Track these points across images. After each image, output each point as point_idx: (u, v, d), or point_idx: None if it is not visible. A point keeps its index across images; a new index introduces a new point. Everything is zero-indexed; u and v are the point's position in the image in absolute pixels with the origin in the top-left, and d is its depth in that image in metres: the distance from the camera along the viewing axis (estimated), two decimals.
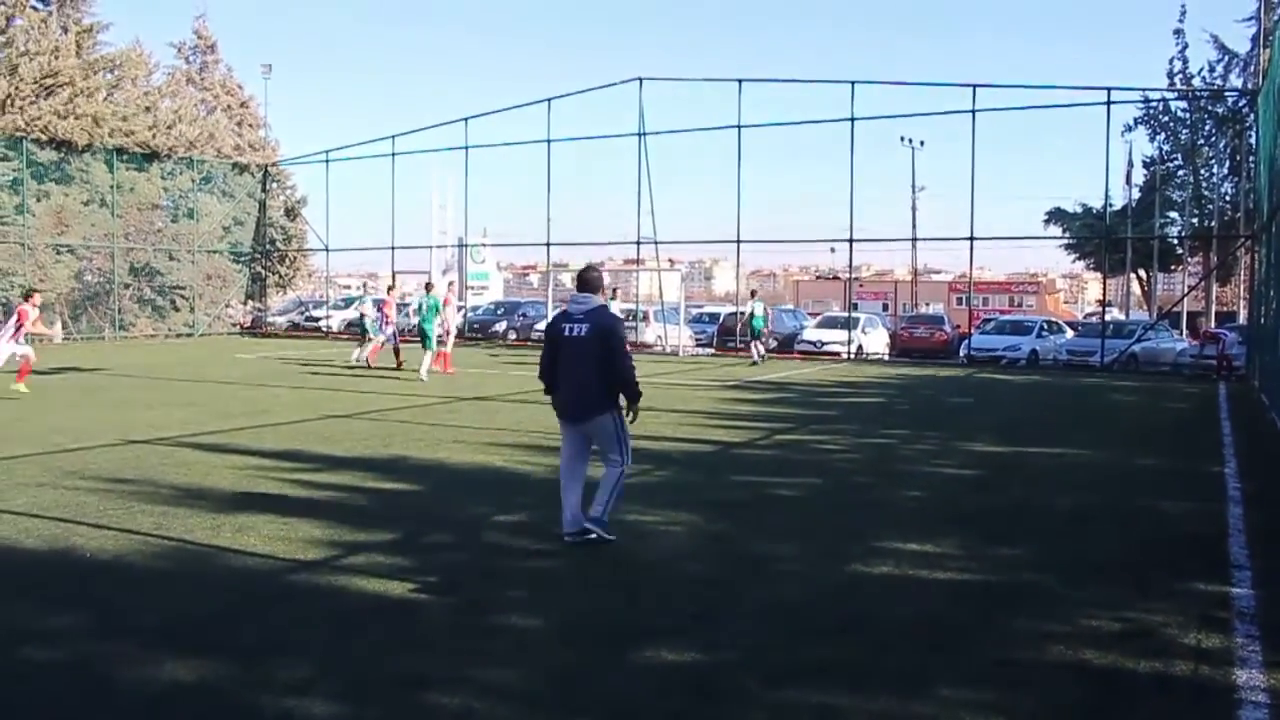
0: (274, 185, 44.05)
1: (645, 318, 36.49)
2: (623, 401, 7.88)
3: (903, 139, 48.07)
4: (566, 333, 7.79)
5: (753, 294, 32.79)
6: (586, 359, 7.67)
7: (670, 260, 37.95)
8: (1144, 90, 36.45)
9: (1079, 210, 48.66)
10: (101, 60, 38.07)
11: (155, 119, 38.65)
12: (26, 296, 18.37)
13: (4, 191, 34.34)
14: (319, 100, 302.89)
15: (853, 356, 32.05)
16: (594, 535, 7.89)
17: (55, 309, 36.14)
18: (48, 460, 11.32)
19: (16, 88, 34.59)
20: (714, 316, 37.39)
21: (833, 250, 42.41)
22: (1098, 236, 41.49)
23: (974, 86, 28.90)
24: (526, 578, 7.09)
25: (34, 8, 36.41)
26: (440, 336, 23.54)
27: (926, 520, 8.97)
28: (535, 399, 18.35)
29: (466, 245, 38.51)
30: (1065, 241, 49.63)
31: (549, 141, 35.04)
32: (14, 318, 18.09)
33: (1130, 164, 39.25)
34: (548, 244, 35.86)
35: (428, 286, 25.01)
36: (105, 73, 38.10)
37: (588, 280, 7.98)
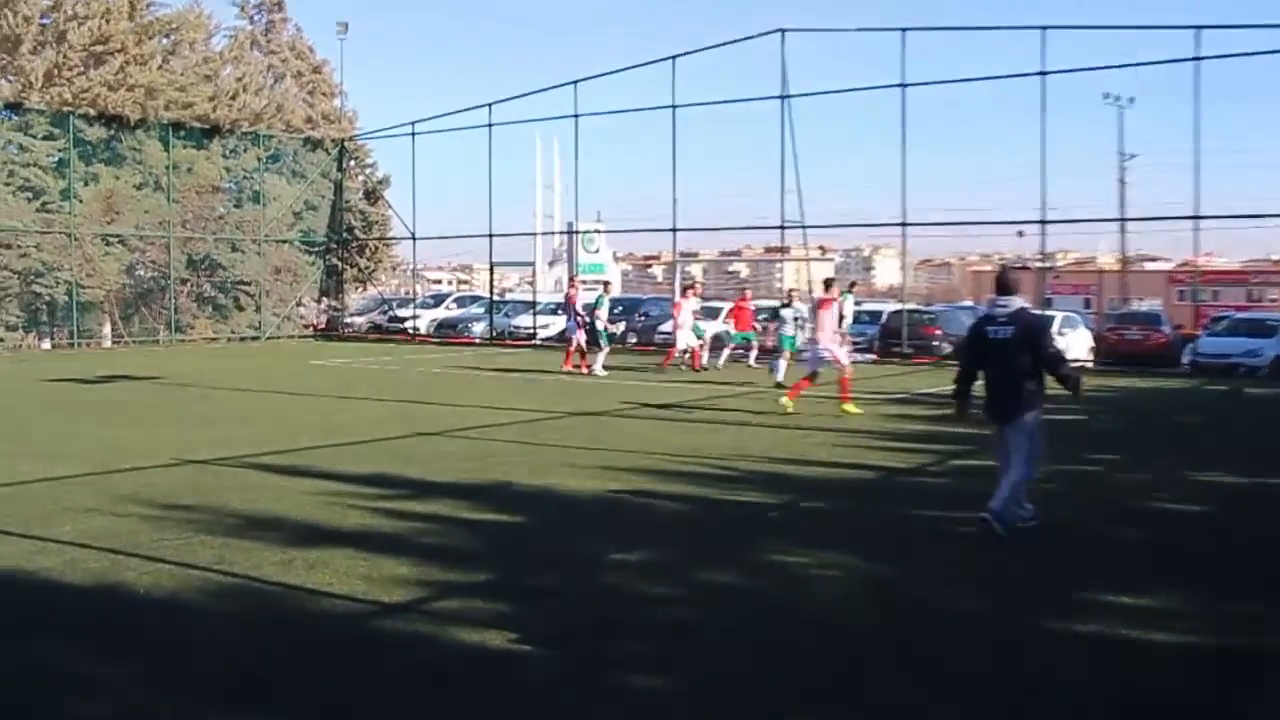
0: (352, 163, 44.93)
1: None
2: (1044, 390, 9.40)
3: (1106, 96, 46.73)
4: (991, 335, 9.34)
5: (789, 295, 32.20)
6: (1012, 361, 9.18)
7: (821, 248, 37.66)
8: None
9: None
10: (156, 24, 39.34)
11: (216, 89, 39.79)
12: (827, 286, 19.07)
13: (49, 174, 35.72)
14: (403, 64, 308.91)
15: None
16: (992, 523, 9.17)
17: (103, 309, 37.45)
18: (96, 482, 11.74)
19: (64, 56, 36.00)
20: (874, 315, 36.83)
21: (1020, 234, 41.50)
22: None
23: (1198, 29, 27.98)
24: (650, 629, 7.07)
25: None
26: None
27: (1142, 567, 8.72)
28: (661, 415, 18.38)
29: (577, 231, 38.75)
30: None
31: (674, 107, 35.11)
32: (818, 309, 18.38)
33: None
34: (673, 229, 35.92)
35: (605, 285, 28.69)
36: (160, 38, 39.40)
37: (1008, 282, 9.56)
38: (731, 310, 30.82)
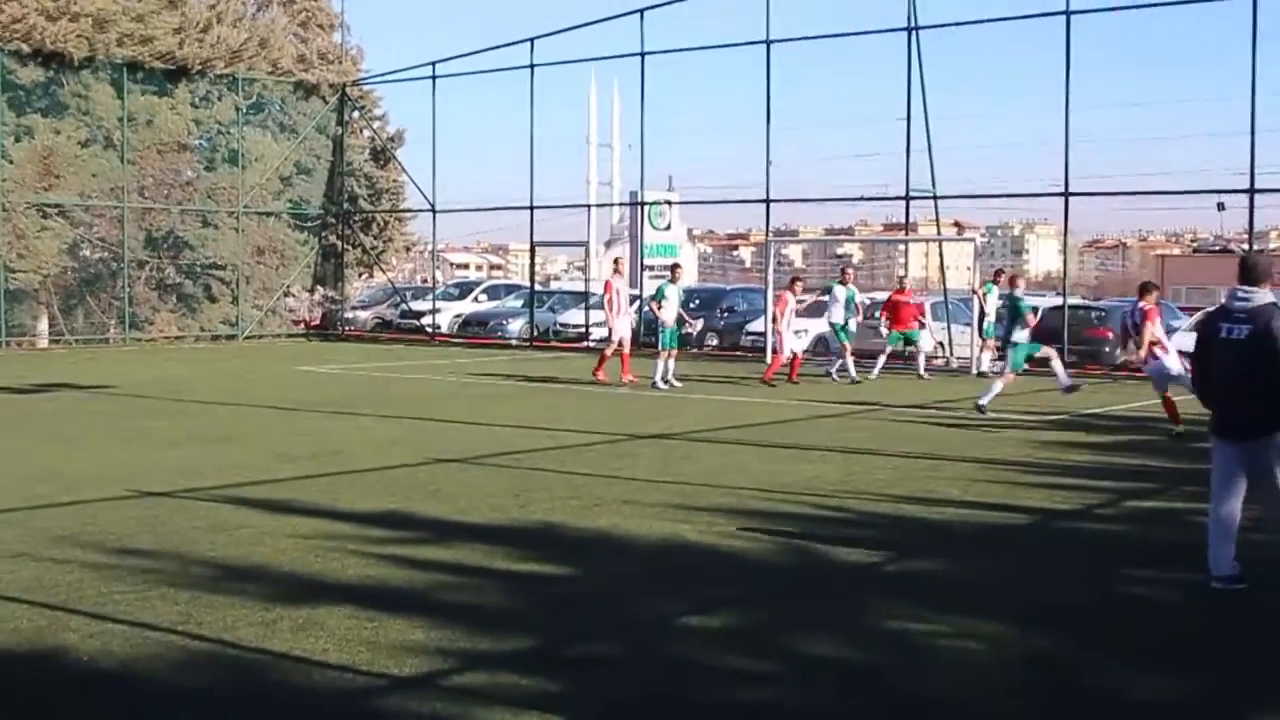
0: (355, 115, 45.13)
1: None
2: None
3: None
4: (1223, 334, 9.55)
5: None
6: (1247, 368, 9.35)
7: (957, 224, 37.61)
8: None
9: None
10: None
11: (183, 19, 39.89)
12: (1144, 291, 19.54)
13: None
14: None
15: None
16: None
17: (38, 299, 37.76)
18: (27, 519, 11.88)
19: None
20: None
21: (1221, 206, 41.03)
22: None
23: None
24: (729, 712, 7.07)
25: None
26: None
27: None
28: (748, 439, 18.34)
29: (643, 203, 38.77)
30: None
31: (769, 43, 35.06)
32: (1144, 319, 18.87)
33: None
34: (766, 200, 35.84)
35: (672, 269, 28.61)
36: None
37: (1253, 269, 9.69)
38: (885, 305, 30.63)
